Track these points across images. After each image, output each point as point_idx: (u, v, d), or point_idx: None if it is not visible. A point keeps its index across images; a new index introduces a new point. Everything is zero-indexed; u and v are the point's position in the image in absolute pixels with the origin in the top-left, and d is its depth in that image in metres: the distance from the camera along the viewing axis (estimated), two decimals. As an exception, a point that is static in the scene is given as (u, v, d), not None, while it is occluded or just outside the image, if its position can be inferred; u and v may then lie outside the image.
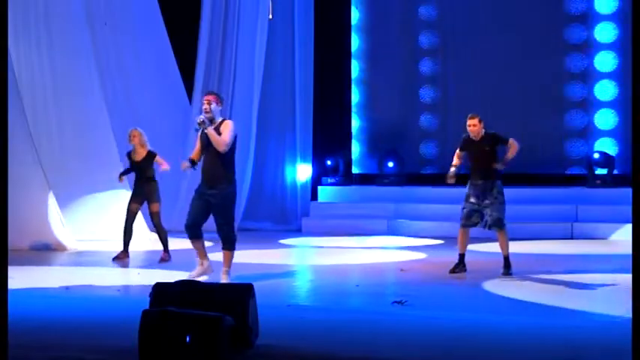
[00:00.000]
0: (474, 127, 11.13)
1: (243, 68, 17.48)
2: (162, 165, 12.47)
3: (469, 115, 11.40)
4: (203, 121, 10.04)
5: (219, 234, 10.25)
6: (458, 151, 11.40)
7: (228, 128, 10.12)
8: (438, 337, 7.55)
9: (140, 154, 12.48)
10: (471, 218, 11.13)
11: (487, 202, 11.01)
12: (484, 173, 11.06)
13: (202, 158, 10.28)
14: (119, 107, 16.19)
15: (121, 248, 12.65)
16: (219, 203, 10.10)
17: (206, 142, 10.13)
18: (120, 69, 16.46)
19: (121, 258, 12.56)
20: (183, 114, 17.17)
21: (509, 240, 11.21)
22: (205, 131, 10.06)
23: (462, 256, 11.26)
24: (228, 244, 10.24)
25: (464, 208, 11.18)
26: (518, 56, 17.61)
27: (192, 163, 10.23)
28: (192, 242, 10.36)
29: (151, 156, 12.46)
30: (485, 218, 11.08)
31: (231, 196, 10.19)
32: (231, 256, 10.29)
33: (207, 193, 10.12)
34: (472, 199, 11.10)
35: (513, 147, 11.11)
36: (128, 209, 12.60)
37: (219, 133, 10.06)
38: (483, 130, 11.23)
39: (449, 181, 11.22)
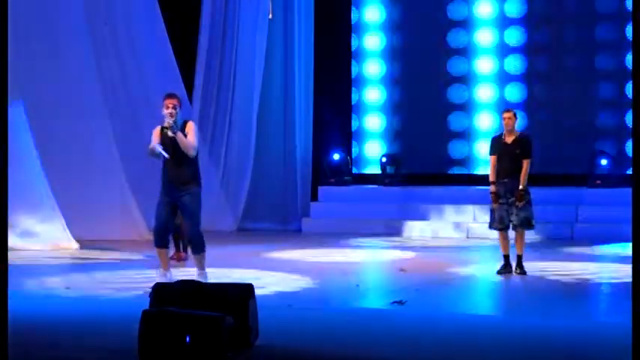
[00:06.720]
0: (509, 120, 11.08)
1: (243, 68, 17.46)
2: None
3: (505, 109, 11.46)
4: (171, 125, 9.75)
5: (191, 238, 10.06)
6: (491, 158, 11.13)
7: (192, 130, 9.89)
8: (438, 337, 7.55)
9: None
10: (504, 221, 11.04)
11: (513, 199, 10.98)
12: (511, 171, 11.03)
13: (165, 162, 9.90)
14: (119, 107, 16.16)
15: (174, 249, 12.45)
16: (190, 205, 9.85)
17: (170, 146, 9.77)
18: (120, 69, 16.42)
19: (180, 258, 12.37)
20: (183, 114, 17.10)
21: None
22: (174, 136, 9.74)
23: (506, 258, 11.18)
24: (200, 248, 9.98)
25: (493, 211, 11.06)
26: (517, 56, 17.60)
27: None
28: (160, 251, 10.04)
29: None
30: (512, 218, 11.01)
31: (200, 197, 9.99)
32: (204, 258, 10.02)
33: (175, 197, 9.83)
34: (501, 200, 11.00)
35: (524, 170, 10.98)
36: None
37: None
38: (517, 131, 11.23)
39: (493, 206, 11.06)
